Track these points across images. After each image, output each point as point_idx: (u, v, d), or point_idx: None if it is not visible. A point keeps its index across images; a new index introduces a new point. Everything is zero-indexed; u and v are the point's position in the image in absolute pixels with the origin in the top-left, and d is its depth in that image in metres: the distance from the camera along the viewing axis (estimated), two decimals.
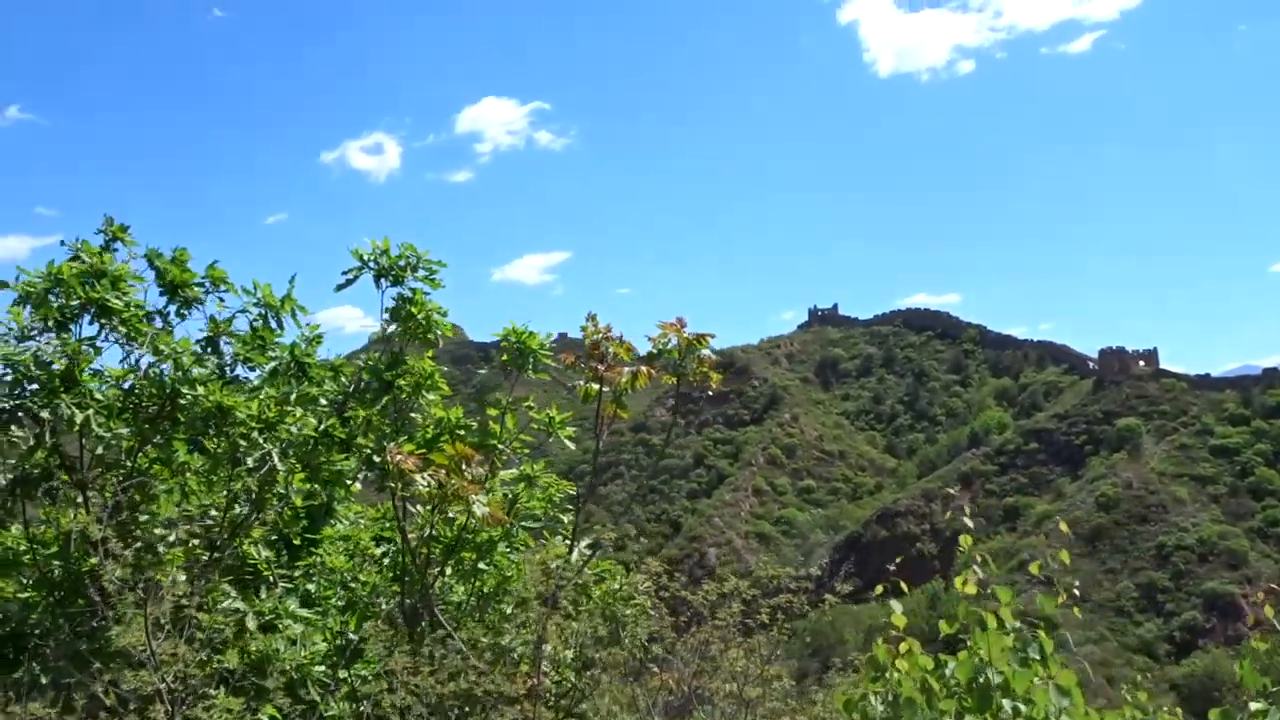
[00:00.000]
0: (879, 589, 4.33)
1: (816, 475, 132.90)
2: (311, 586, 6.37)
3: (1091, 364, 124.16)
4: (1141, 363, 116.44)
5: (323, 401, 6.64)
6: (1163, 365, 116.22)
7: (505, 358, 6.85)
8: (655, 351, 6.24)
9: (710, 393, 6.42)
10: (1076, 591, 4.33)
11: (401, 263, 6.73)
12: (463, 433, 6.54)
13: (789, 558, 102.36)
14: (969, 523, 3.95)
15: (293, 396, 6.41)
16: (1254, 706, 3.91)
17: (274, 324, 6.70)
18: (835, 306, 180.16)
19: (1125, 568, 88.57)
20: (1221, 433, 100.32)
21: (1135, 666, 71.28)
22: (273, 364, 6.68)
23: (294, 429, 6.21)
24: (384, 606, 6.07)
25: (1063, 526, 5.58)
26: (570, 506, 6.96)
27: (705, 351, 6.16)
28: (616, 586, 6.38)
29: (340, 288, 6.71)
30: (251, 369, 6.74)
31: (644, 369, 6.07)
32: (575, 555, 6.34)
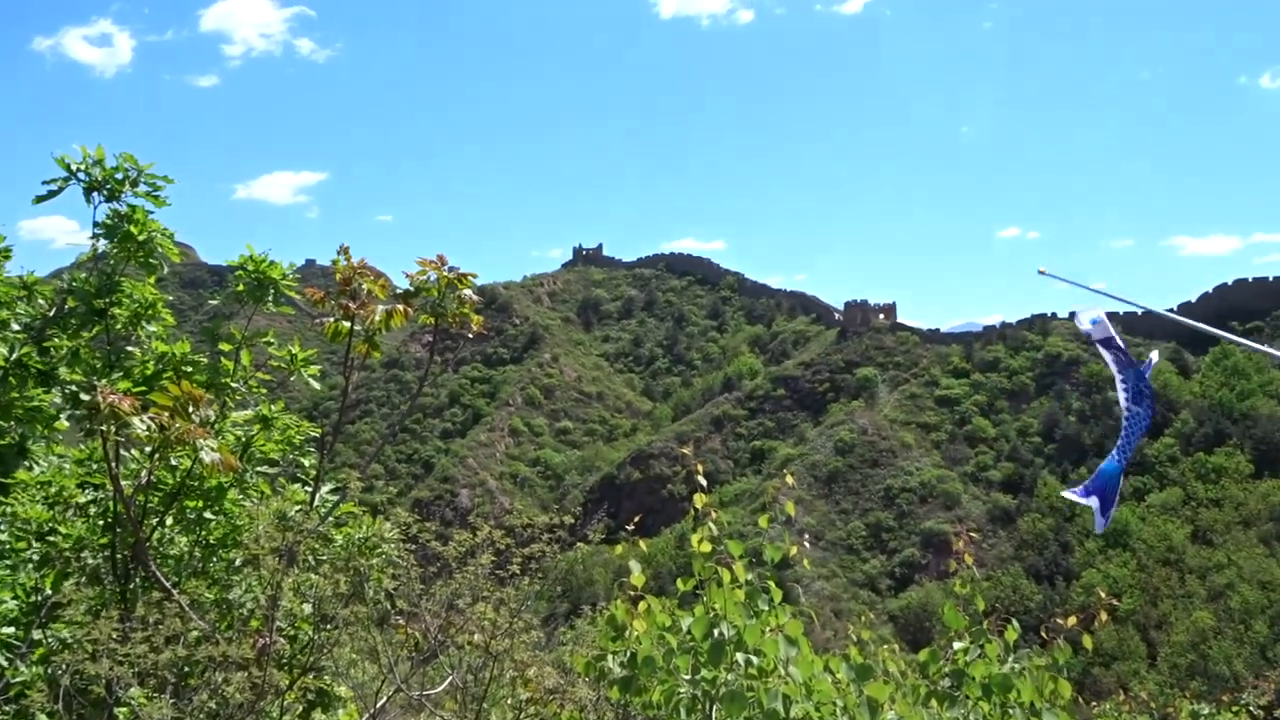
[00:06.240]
0: (619, 549, 4.34)
1: (574, 416, 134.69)
2: (1, 537, 5.57)
3: (837, 315, 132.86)
4: (881, 316, 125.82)
5: (14, 326, 5.73)
6: (899, 319, 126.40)
7: (241, 287, 6.22)
8: (413, 289, 5.91)
9: (471, 334, 6.16)
10: (808, 541, 4.54)
11: (119, 175, 5.80)
12: (190, 370, 5.89)
13: (544, 499, 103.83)
14: (702, 481, 4.00)
15: None
16: (957, 646, 4.31)
17: None
18: (600, 247, 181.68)
19: (856, 508, 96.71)
20: (945, 384, 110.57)
21: (860, 600, 78.81)
22: None
23: None
24: (90, 562, 5.41)
25: (789, 479, 5.64)
26: (313, 449, 6.50)
27: (466, 292, 5.89)
28: (361, 535, 6.04)
29: (41, 199, 5.71)
30: None
31: (400, 308, 5.73)
32: (317, 501, 5.94)
